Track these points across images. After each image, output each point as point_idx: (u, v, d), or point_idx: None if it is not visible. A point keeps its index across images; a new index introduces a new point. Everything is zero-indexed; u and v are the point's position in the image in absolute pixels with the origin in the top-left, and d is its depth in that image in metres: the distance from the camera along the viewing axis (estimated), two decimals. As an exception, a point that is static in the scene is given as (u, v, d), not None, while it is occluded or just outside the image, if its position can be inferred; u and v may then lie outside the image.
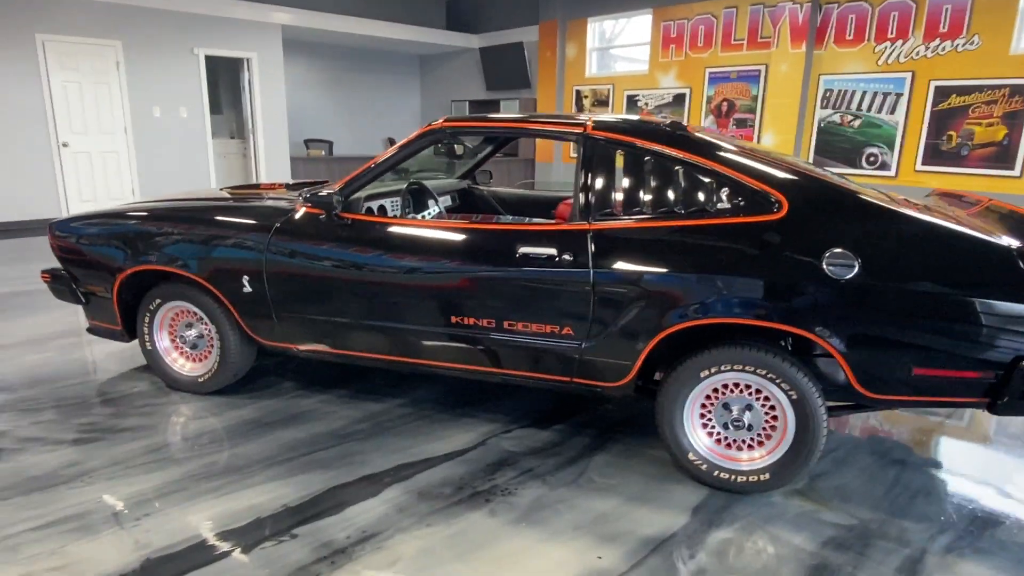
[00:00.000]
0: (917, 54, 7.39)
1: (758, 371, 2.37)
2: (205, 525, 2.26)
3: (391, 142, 13.31)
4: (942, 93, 7.29)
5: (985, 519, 2.38)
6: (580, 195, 2.60)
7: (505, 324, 2.66)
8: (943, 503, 2.48)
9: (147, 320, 3.29)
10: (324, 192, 2.86)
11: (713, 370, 2.43)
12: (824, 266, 2.22)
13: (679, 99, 9.65)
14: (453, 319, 2.73)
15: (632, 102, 10.23)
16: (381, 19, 10.95)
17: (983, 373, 2.16)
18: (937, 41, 7.24)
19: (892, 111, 7.68)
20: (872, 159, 7.92)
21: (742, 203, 2.39)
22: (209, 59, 9.35)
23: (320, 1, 10.31)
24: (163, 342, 3.34)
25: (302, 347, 3.07)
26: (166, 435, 2.90)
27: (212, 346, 3.25)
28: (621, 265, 2.46)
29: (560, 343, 2.60)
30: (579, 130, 2.68)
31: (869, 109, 7.87)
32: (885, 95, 7.71)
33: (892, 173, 7.76)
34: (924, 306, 2.15)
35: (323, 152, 11.29)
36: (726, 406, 2.49)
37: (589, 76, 10.78)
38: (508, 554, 2.14)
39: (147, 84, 8.80)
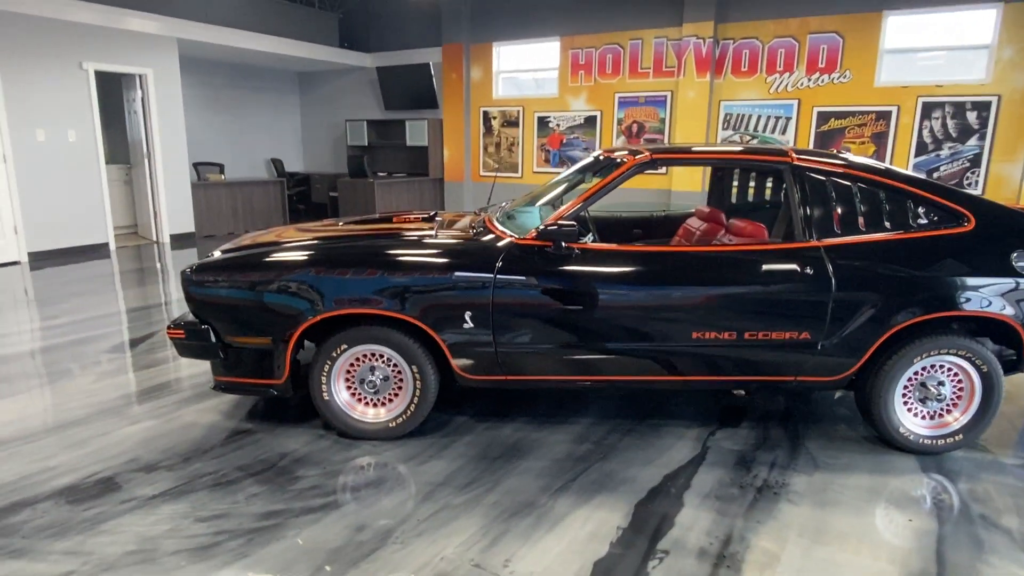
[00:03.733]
0: (802, 84, 8.86)
1: (958, 352, 2.95)
2: (572, 558, 2.29)
3: (275, 164, 12.54)
4: (823, 117, 8.82)
5: (1098, 445, 3.20)
6: (799, 217, 3.00)
7: (746, 335, 2.97)
8: (1064, 439, 3.27)
9: (326, 368, 3.06)
10: (551, 224, 2.94)
11: (924, 356, 2.97)
12: (1014, 263, 2.87)
13: (590, 121, 10.42)
14: (694, 335, 2.97)
15: (543, 123, 10.81)
16: (269, 34, 10.34)
17: (1119, 336, 2.95)
18: (817, 74, 8.75)
19: (783, 132, 9.10)
20: (769, 173, 9.28)
21: (936, 219, 2.98)
22: (99, 75, 8.19)
23: (203, 13, 9.50)
24: (342, 391, 3.13)
25: (517, 377, 3.08)
26: (411, 483, 2.76)
27: (400, 389, 3.12)
28: (853, 275, 2.90)
29: (797, 347, 2.98)
30: (785, 159, 3.09)
31: (764, 130, 9.23)
32: (777, 118, 9.11)
33: (786, 184, 9.17)
34: (1083, 289, 2.89)
35: (222, 176, 10.36)
36: (923, 384, 3.05)
37: (497, 98, 11.17)
38: (843, 532, 2.47)
39: (29, 104, 7.49)
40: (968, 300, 2.87)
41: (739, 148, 3.24)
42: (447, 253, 3.04)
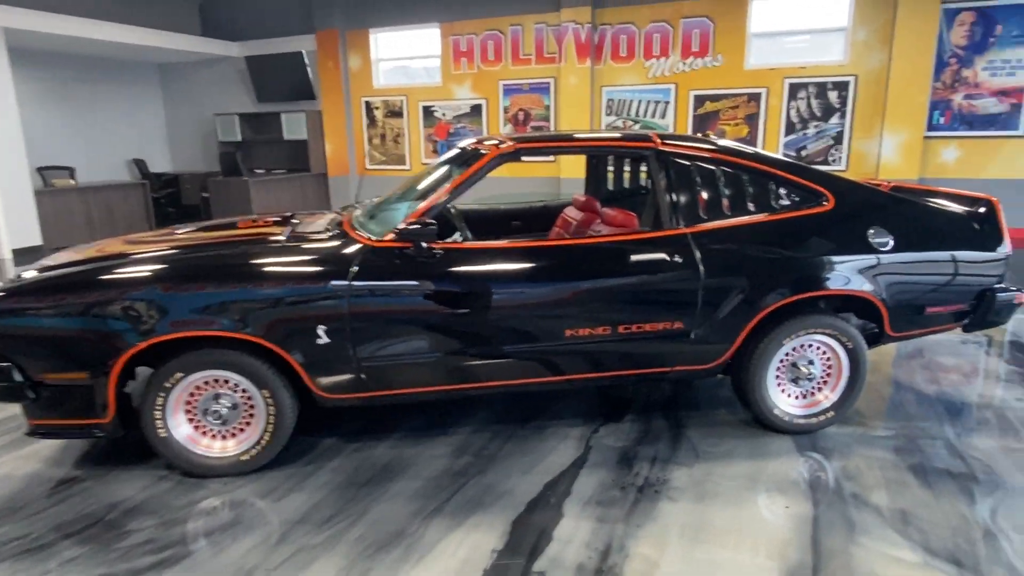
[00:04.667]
0: (677, 69, 9.03)
1: (824, 331, 2.98)
2: (449, 592, 2.08)
3: (138, 165, 11.48)
4: (699, 100, 9.04)
5: (961, 406, 3.34)
6: (665, 204, 2.91)
7: (620, 329, 2.86)
8: (932, 404, 3.40)
9: (160, 402, 2.68)
10: (409, 224, 2.69)
11: (793, 336, 2.97)
12: (870, 240, 2.91)
13: (476, 109, 10.20)
14: (567, 333, 2.83)
15: (428, 113, 10.48)
16: (118, 22, 9.38)
17: (965, 304, 3.07)
18: (691, 58, 8.94)
19: (663, 116, 9.26)
20: (653, 156, 9.43)
21: (798, 200, 2.98)
22: (-97, 69, 7.07)
23: (43, 1, 8.47)
24: (182, 425, 2.76)
25: (385, 392, 2.83)
26: (265, 524, 2.46)
27: (252, 417, 2.79)
28: (721, 261, 2.85)
29: (671, 337, 2.90)
30: (650, 145, 2.99)
31: (645, 115, 9.36)
32: (656, 103, 9.26)
33: (669, 167, 9.36)
34: (934, 264, 2.98)
35: (71, 181, 9.32)
36: (794, 365, 3.06)
37: (379, 87, 10.72)
38: (723, 527, 2.41)
39: None
40: (831, 279, 2.89)
41: (604, 135, 3.12)
42: (294, 261, 2.72)
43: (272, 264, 2.70)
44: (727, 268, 2.85)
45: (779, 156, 3.14)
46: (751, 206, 2.96)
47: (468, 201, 4.65)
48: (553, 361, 2.88)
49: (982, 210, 3.10)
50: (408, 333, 2.74)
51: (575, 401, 3.50)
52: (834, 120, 8.45)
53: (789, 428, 3.07)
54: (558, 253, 2.84)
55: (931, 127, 8.04)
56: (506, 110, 10.02)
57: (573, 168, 9.56)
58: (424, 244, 2.71)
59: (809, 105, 8.54)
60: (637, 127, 9.41)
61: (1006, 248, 3.04)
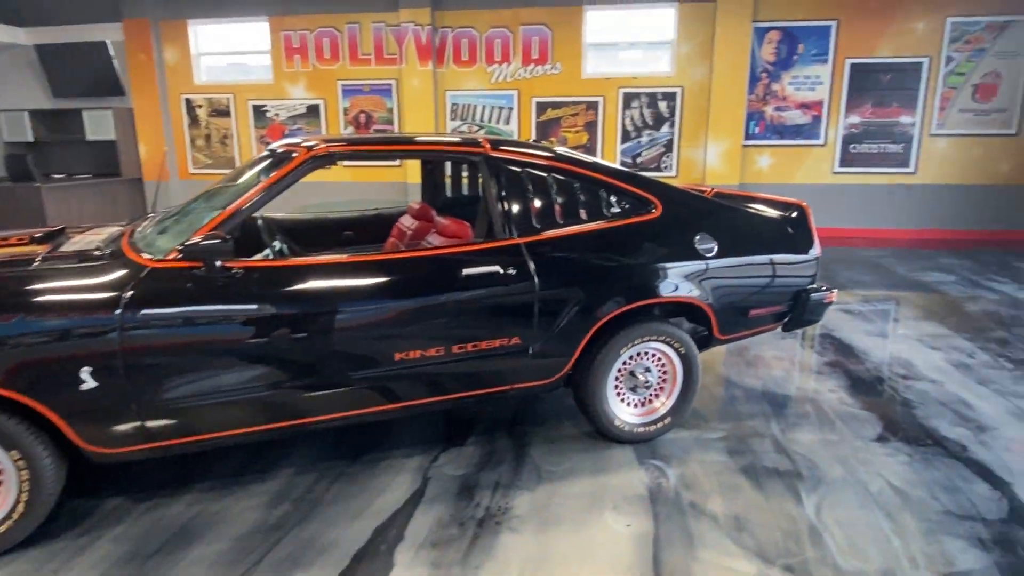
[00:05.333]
0: (519, 75, 9.07)
1: (659, 338, 2.97)
2: None
3: None
4: (541, 107, 9.14)
5: (784, 401, 3.50)
6: (497, 212, 2.74)
7: (454, 348, 2.64)
8: (759, 400, 3.53)
9: None
10: (197, 240, 2.28)
11: (629, 345, 2.92)
12: (696, 246, 2.94)
13: (313, 110, 9.59)
14: (397, 356, 2.56)
15: (260, 113, 9.70)
16: None
17: (783, 305, 3.20)
18: (532, 66, 9.02)
19: (508, 122, 9.26)
20: (498, 162, 9.40)
21: (628, 208, 2.94)
22: None
23: None
24: None
25: (179, 440, 2.39)
26: (14, 625, 1.94)
27: (0, 483, 2.24)
28: (555, 272, 2.73)
29: (509, 354, 2.72)
30: (479, 150, 2.80)
31: (490, 120, 9.30)
32: (500, 108, 9.24)
33: (515, 172, 9.38)
34: (755, 267, 3.07)
35: None
36: (632, 374, 3.03)
37: (201, 84, 9.74)
38: (566, 555, 2.27)
39: None
40: (663, 286, 2.87)
41: (431, 139, 2.89)
42: (46, 289, 2.21)
43: (14, 294, 2.16)
44: (562, 279, 2.74)
45: (609, 163, 3.09)
46: (583, 214, 2.87)
47: (295, 209, 4.23)
48: (383, 388, 2.59)
49: (794, 215, 3.26)
50: (204, 368, 2.32)
51: (415, 426, 3.23)
52: (665, 129, 8.90)
53: (630, 438, 3.03)
54: (379, 268, 2.56)
55: (748, 136, 8.73)
56: (346, 111, 9.52)
57: (420, 173, 9.28)
58: (219, 263, 2.31)
59: (642, 114, 8.93)
60: (482, 132, 9.33)
61: (816, 250, 3.21)
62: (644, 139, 8.98)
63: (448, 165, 4.03)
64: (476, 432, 3.18)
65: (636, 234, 2.88)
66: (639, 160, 9.03)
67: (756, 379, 3.86)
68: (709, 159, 8.68)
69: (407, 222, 3.67)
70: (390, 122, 9.47)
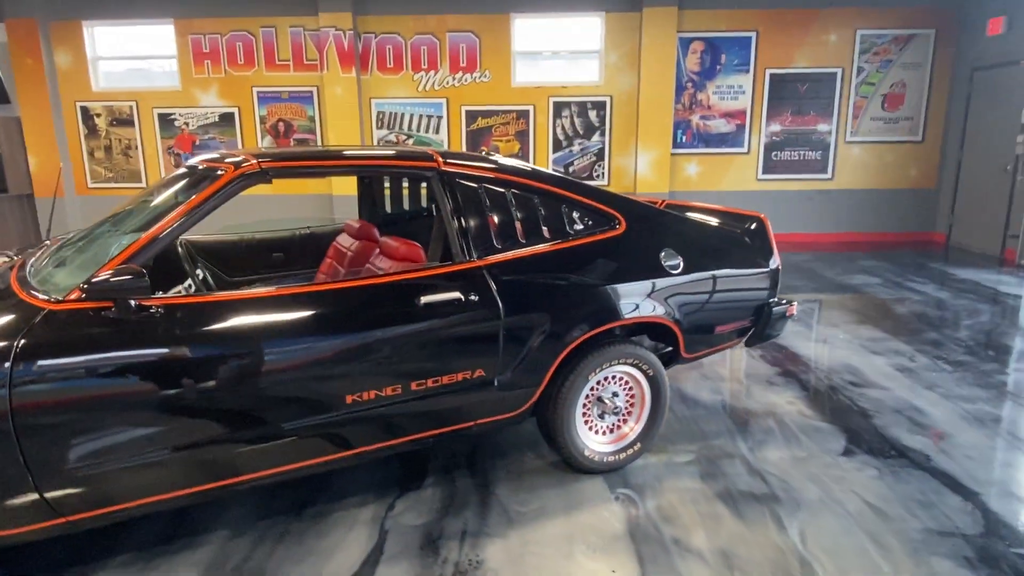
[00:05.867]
0: (447, 83, 8.82)
1: (627, 361, 2.80)
2: None
3: None
4: (471, 116, 8.93)
5: (745, 416, 3.42)
6: (455, 232, 2.50)
7: (413, 386, 2.37)
8: (721, 416, 3.43)
9: None
10: (106, 275, 1.92)
11: (597, 370, 2.74)
12: (663, 263, 2.80)
13: (227, 118, 8.98)
14: (349, 399, 2.27)
15: (167, 122, 8.99)
16: None
17: (747, 320, 3.12)
18: (460, 73, 8.80)
19: (437, 131, 8.99)
20: (428, 172, 9.11)
21: (591, 224, 2.76)
22: None
23: None
24: None
25: (92, 513, 2.00)
26: None
27: None
28: (520, 296, 2.51)
29: (473, 387, 2.48)
30: (431, 164, 2.56)
31: (419, 129, 9.00)
32: (429, 117, 8.96)
33: (446, 183, 9.11)
34: (720, 283, 2.96)
35: None
36: (599, 399, 2.85)
37: (99, 90, 8.93)
38: (556, 611, 2.05)
39: None
40: (632, 306, 2.71)
41: (377, 152, 2.61)
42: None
43: None
44: (528, 303, 2.52)
45: (569, 177, 2.91)
46: (546, 232, 2.67)
47: (217, 229, 3.82)
48: (333, 434, 2.29)
49: (753, 226, 3.19)
50: (116, 426, 1.96)
51: (364, 469, 2.93)
52: (596, 138, 8.89)
53: (600, 467, 2.85)
54: (324, 299, 2.26)
55: (676, 144, 8.84)
56: (263, 120, 8.98)
57: (346, 184, 8.87)
58: (133, 302, 1.95)
59: (573, 123, 8.88)
60: (411, 142, 9.02)
61: (776, 261, 3.15)
62: (576, 148, 8.93)
63: (387, 178, 3.75)
64: (433, 471, 2.91)
65: (602, 252, 2.71)
66: (572, 169, 8.96)
67: (713, 393, 3.78)
68: (640, 167, 8.72)
69: (346, 242, 3.36)
70: (312, 131, 9.01)
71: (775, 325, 3.17)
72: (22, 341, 1.85)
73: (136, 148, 9.08)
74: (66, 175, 9.05)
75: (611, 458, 2.86)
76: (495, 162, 2.73)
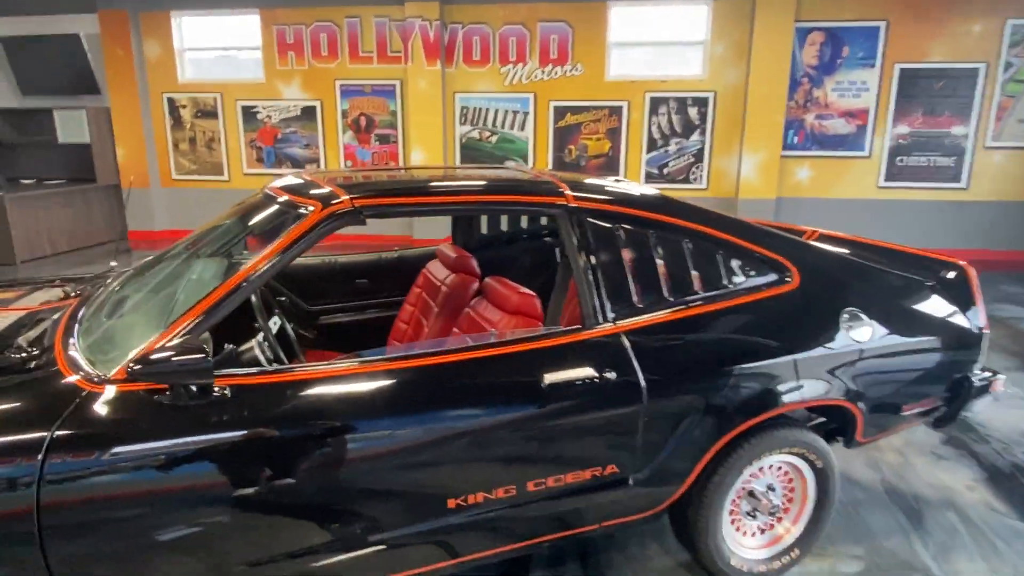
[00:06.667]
0: (536, 77, 8.27)
1: (792, 451, 2.21)
2: None
3: None
4: (560, 112, 8.36)
5: (917, 505, 2.76)
6: (588, 287, 1.97)
7: (530, 486, 1.86)
8: (886, 505, 2.78)
9: None
10: (162, 354, 1.50)
11: (756, 461, 2.16)
12: (843, 328, 2.18)
13: (309, 112, 8.75)
14: (452, 503, 1.78)
15: (250, 115, 8.84)
16: None
17: (939, 397, 2.45)
18: (550, 66, 8.23)
19: (522, 128, 8.47)
20: (512, 171, 8.61)
21: (755, 275, 2.17)
22: None
23: None
24: None
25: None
26: None
27: None
28: (669, 372, 1.96)
29: (603, 487, 1.96)
30: (558, 200, 2.03)
31: (503, 126, 8.51)
32: (515, 113, 8.44)
33: (530, 183, 8.60)
34: (918, 352, 2.31)
35: None
36: (751, 494, 2.27)
37: (185, 81, 8.87)
38: None
39: None
40: (806, 385, 2.12)
41: (490, 182, 2.11)
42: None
43: None
44: (678, 381, 1.97)
45: (727, 215, 2.32)
46: (699, 287, 2.10)
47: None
48: (430, 543, 1.82)
49: (951, 275, 2.51)
50: (164, 529, 1.54)
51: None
52: (695, 137, 8.15)
53: (748, 582, 2.27)
54: (424, 376, 1.77)
55: (786, 146, 7.99)
56: (345, 114, 8.69)
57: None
58: (193, 385, 1.53)
59: (670, 121, 8.17)
60: (495, 139, 8.54)
61: (982, 323, 2.46)
62: (672, 148, 8.22)
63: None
64: (537, 564, 2.41)
65: (772, 313, 2.12)
66: (667, 171, 8.27)
67: (869, 468, 3.11)
68: (744, 170, 7.93)
69: (439, 272, 2.89)
70: (393, 126, 8.65)
71: (973, 404, 2.49)
72: (56, 433, 1.45)
73: (219, 141, 8.98)
74: (151, 166, 9.05)
75: (763, 568, 2.29)
76: (636, 195, 2.18)
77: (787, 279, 2.19)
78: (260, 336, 2.02)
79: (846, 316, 2.20)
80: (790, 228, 3.13)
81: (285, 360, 1.90)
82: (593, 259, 1.99)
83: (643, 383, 1.90)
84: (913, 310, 2.36)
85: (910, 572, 2.38)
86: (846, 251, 2.60)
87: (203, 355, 1.48)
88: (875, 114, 7.81)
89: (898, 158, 7.88)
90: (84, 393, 1.52)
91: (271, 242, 1.74)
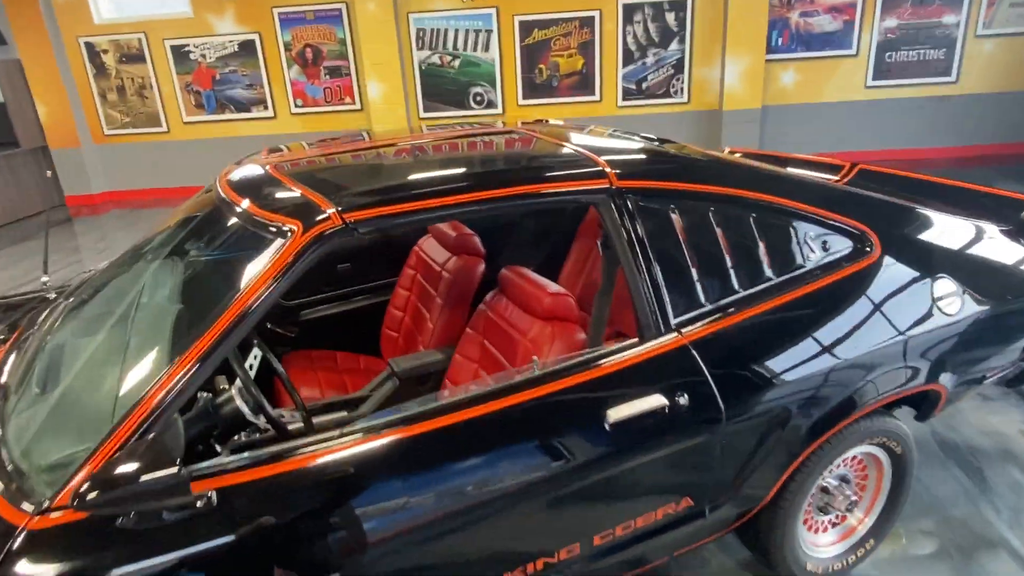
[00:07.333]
0: (498, -10, 7.49)
1: (874, 441, 1.94)
2: None
3: None
4: (526, 28, 7.63)
5: (977, 460, 2.56)
6: (644, 291, 1.59)
7: (596, 540, 1.55)
8: (945, 465, 2.57)
9: None
10: (97, 473, 1.10)
11: (835, 460, 1.89)
12: (935, 300, 1.86)
13: (248, 47, 7.85)
14: None
15: (182, 55, 7.91)
16: None
17: (1017, 362, 2.18)
18: (512, -24, 7.45)
19: (486, 48, 7.74)
20: (479, 98, 7.96)
21: (829, 247, 1.81)
22: None
23: None
24: None
25: None
26: None
27: None
28: (746, 386, 1.63)
29: (678, 522, 1.66)
30: (600, 183, 1.61)
31: (465, 48, 7.77)
32: (477, 32, 7.69)
33: (499, 110, 7.98)
34: (1002, 318, 2.01)
35: None
36: (824, 490, 2.01)
37: (101, 22, 7.85)
38: None
39: None
40: (902, 374, 1.81)
41: (512, 167, 1.66)
42: None
43: None
44: (761, 394, 1.64)
45: (782, 171, 1.92)
46: (771, 272, 1.74)
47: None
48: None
49: (1029, 217, 2.18)
50: None
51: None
52: (674, 46, 7.55)
53: (823, 578, 2.05)
54: (454, 438, 1.41)
55: (770, 49, 7.46)
56: (288, 47, 7.84)
57: (388, 116, 7.77)
58: (162, 502, 1.14)
59: (646, 29, 7.54)
60: (457, 63, 7.82)
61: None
62: (650, 60, 7.63)
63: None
64: None
65: (857, 295, 1.78)
66: (645, 85, 7.70)
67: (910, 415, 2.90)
68: (728, 79, 7.41)
69: (436, 254, 2.47)
70: (343, 56, 7.85)
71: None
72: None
73: (151, 87, 8.07)
74: (79, 123, 8.14)
75: (837, 564, 2.06)
76: (689, 163, 1.77)
77: (868, 249, 1.83)
78: (238, 381, 1.61)
79: (937, 287, 1.87)
80: (829, 162, 2.75)
81: (269, 407, 1.51)
82: (649, 254, 1.59)
83: (721, 403, 1.57)
84: (999, 267, 2.04)
85: (991, 550, 2.19)
86: (908, 199, 2.24)
87: (173, 467, 1.08)
88: (862, 7, 7.28)
89: (887, 54, 7.44)
90: (22, 531, 1.12)
91: (237, 284, 1.30)
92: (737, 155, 2.68)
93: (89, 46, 7.94)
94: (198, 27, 7.79)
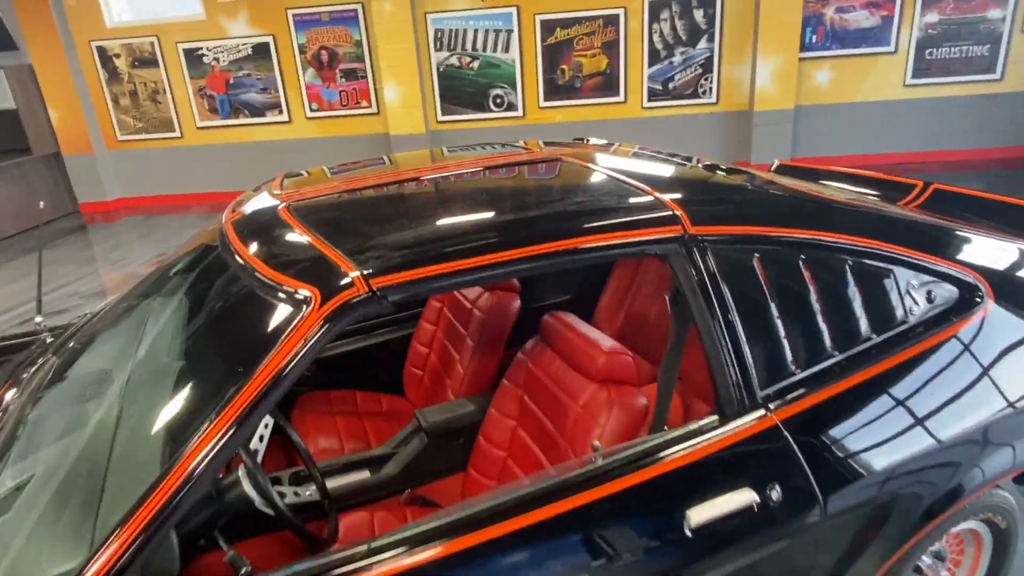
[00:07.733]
0: (518, -12, 7.23)
1: (978, 517, 1.67)
2: None
3: None
4: (547, 27, 7.36)
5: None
6: (725, 361, 1.33)
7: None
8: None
9: None
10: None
11: (935, 542, 1.63)
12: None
13: (262, 50, 7.66)
14: None
15: (195, 58, 7.74)
16: None
17: None
18: (533, -26, 7.18)
19: (507, 49, 7.49)
20: (499, 101, 7.70)
21: (935, 298, 1.54)
22: None
23: None
24: None
25: None
26: None
27: None
28: (852, 467, 1.37)
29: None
30: (671, 231, 1.35)
31: (484, 49, 7.52)
32: (496, 32, 7.43)
33: (520, 113, 7.72)
34: None
35: None
36: (916, 569, 1.75)
37: (114, 26, 7.70)
38: None
39: None
40: (1019, 448, 1.54)
41: (571, 210, 1.41)
42: None
43: None
44: (864, 481, 1.38)
45: (883, 206, 1.66)
46: (868, 331, 1.47)
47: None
48: None
49: None
50: None
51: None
52: (702, 44, 7.24)
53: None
54: (514, 548, 1.17)
55: (803, 47, 7.13)
56: (303, 49, 7.63)
57: (405, 121, 7.55)
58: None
59: (673, 27, 7.23)
60: (476, 65, 7.57)
61: None
62: (677, 59, 7.32)
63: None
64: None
65: (971, 354, 1.51)
66: (672, 86, 7.40)
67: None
68: (759, 79, 7.10)
69: (467, 291, 2.23)
70: (360, 59, 7.63)
71: None
72: None
73: (164, 92, 7.91)
74: (92, 129, 8.00)
75: (929, 655, 1.80)
76: (773, 202, 1.50)
77: (978, 298, 1.56)
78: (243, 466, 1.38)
79: (1056, 343, 1.60)
80: (900, 181, 2.46)
81: (280, 502, 1.28)
82: (731, 314, 1.34)
83: (820, 495, 1.31)
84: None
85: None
86: (1005, 231, 1.96)
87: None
88: (902, 2, 6.93)
89: (927, 51, 7.07)
90: None
91: (243, 367, 1.07)
92: (792, 169, 2.43)
93: (101, 50, 7.80)
94: (211, 30, 7.61)
